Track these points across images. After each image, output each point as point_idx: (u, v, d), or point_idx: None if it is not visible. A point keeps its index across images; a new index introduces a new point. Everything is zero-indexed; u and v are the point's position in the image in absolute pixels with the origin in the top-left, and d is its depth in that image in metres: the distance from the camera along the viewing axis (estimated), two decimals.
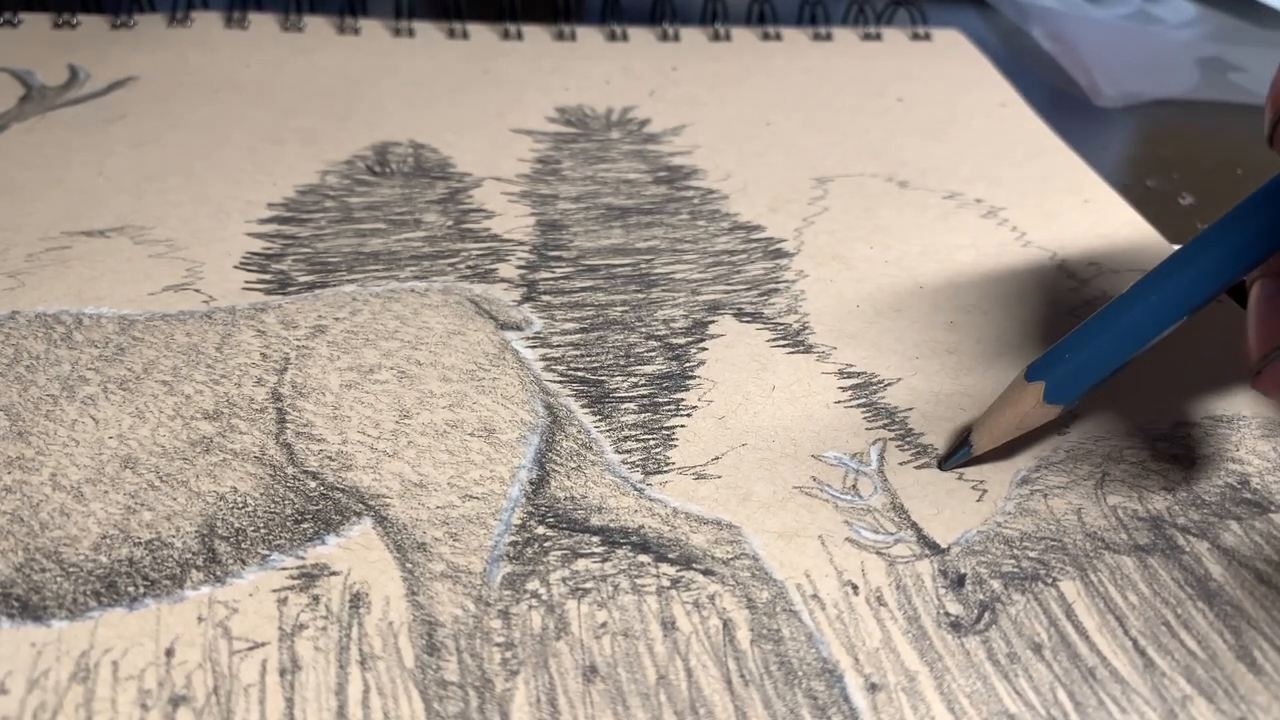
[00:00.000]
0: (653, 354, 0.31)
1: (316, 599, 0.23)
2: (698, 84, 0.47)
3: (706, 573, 0.24)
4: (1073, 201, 0.39)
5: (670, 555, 0.25)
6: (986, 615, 0.24)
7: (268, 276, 0.32)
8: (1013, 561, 0.25)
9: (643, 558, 0.25)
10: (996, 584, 0.25)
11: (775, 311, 0.33)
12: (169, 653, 0.22)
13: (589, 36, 0.50)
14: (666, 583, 0.24)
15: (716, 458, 0.27)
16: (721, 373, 0.30)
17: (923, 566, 0.25)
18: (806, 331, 0.32)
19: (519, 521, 0.25)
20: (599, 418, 0.28)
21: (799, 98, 0.46)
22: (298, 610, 0.23)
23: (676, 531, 0.25)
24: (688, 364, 0.30)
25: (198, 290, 0.32)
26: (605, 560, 0.24)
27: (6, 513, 0.24)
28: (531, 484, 0.26)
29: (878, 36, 0.53)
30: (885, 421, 0.29)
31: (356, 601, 0.23)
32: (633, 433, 0.28)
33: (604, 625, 0.23)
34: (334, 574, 0.24)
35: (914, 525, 0.26)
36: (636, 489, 0.26)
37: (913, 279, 0.35)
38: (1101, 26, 0.56)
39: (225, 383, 0.28)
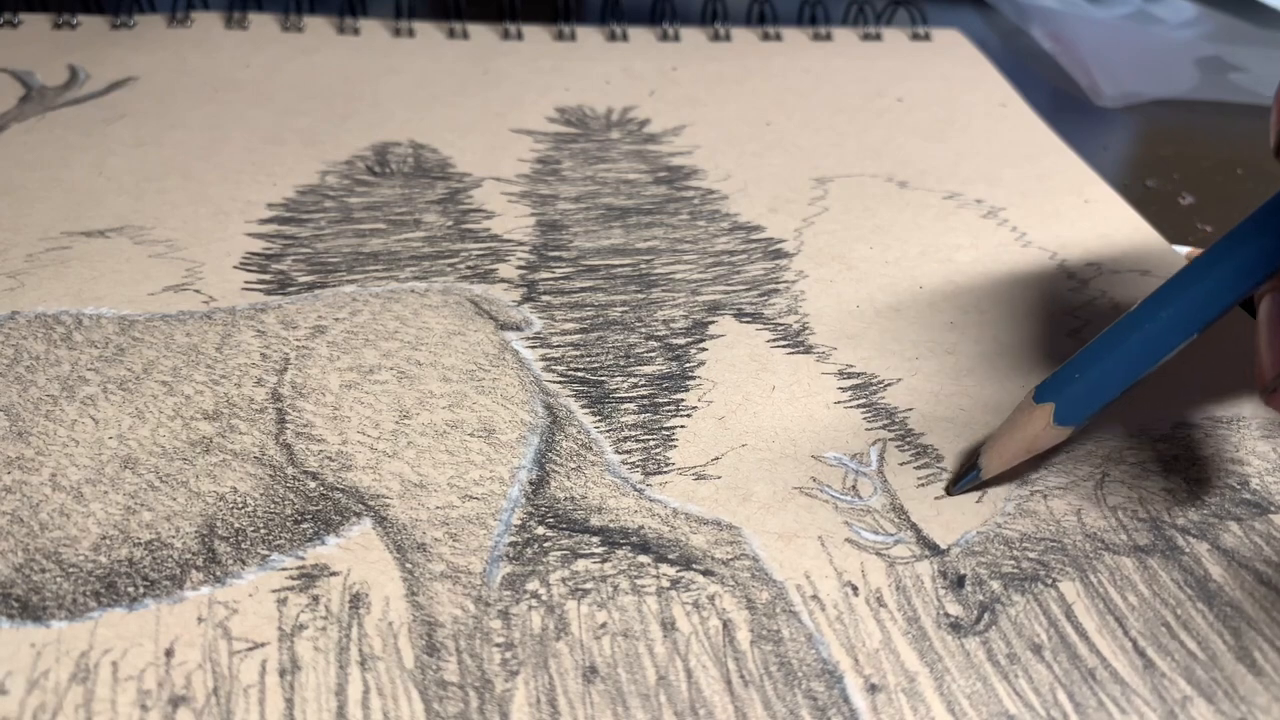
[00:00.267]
0: (653, 354, 0.31)
1: (316, 599, 0.23)
2: (698, 84, 0.47)
3: (706, 573, 0.24)
4: (1073, 201, 0.39)
5: (670, 556, 0.25)
6: (986, 616, 0.24)
7: (268, 277, 0.32)
8: (1012, 562, 0.25)
9: (643, 558, 0.25)
10: (996, 585, 0.25)
11: (775, 312, 0.33)
12: (169, 653, 0.22)
13: (589, 36, 0.50)
14: (666, 583, 0.24)
15: (716, 458, 0.27)
16: (721, 373, 0.30)
17: (922, 567, 0.25)
18: (806, 332, 0.32)
19: (519, 522, 0.25)
20: (599, 418, 0.28)
21: (799, 98, 0.46)
22: (297, 610, 0.23)
23: (676, 532, 0.25)
24: (688, 364, 0.30)
25: (198, 290, 0.32)
26: (605, 561, 0.24)
27: (6, 513, 0.24)
28: (531, 484, 0.26)
29: (878, 36, 0.53)
30: (885, 422, 0.29)
31: (356, 602, 0.23)
32: (633, 433, 0.28)
33: (604, 626, 0.23)
34: (334, 574, 0.24)
35: (914, 526, 0.26)
36: (636, 489, 0.26)
37: (913, 279, 0.35)
38: (1101, 26, 0.56)
39: (225, 383, 0.28)
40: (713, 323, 0.32)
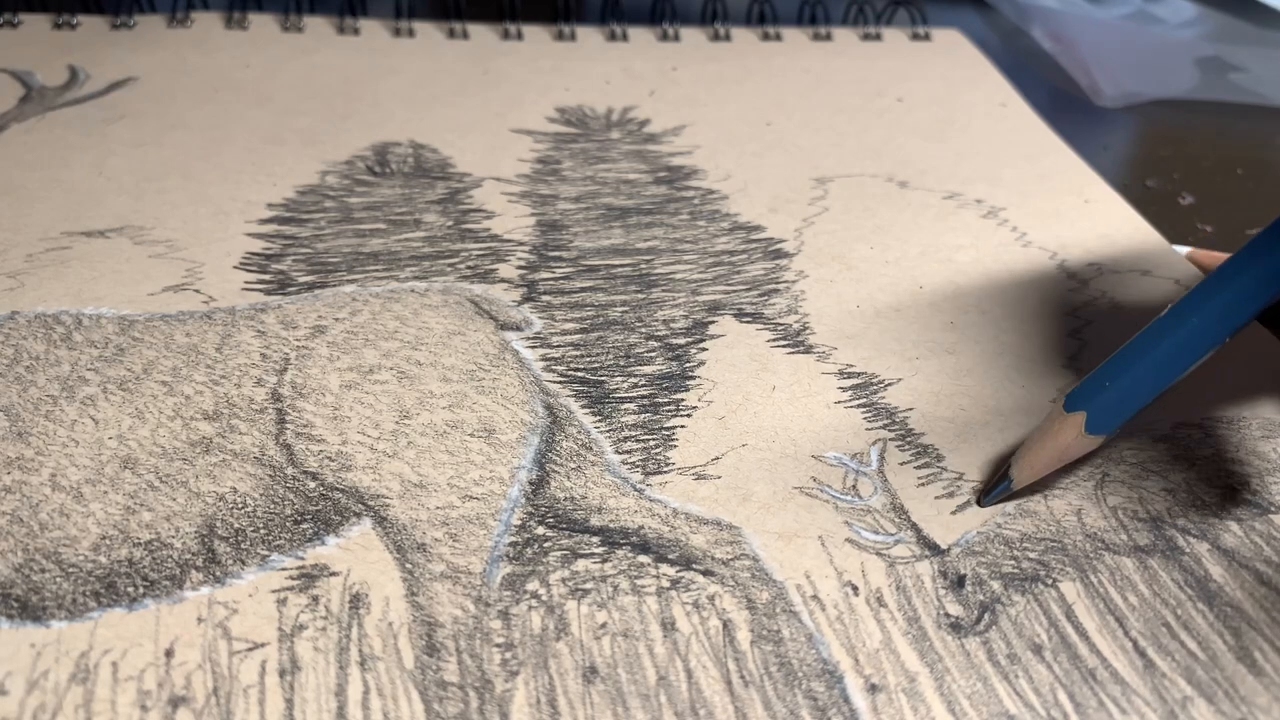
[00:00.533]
0: (653, 354, 0.31)
1: (316, 599, 0.23)
2: (698, 84, 0.47)
3: (706, 573, 0.24)
4: (1073, 201, 0.39)
5: (670, 556, 0.25)
6: (986, 616, 0.24)
7: (267, 277, 0.32)
8: (1013, 562, 0.25)
9: (643, 558, 0.25)
10: (996, 585, 0.25)
11: (775, 312, 0.33)
12: (168, 653, 0.22)
13: (589, 36, 0.50)
14: (666, 583, 0.24)
15: (716, 458, 0.27)
16: (721, 373, 0.30)
17: (923, 567, 0.25)
18: (807, 332, 0.32)
19: (519, 522, 0.25)
20: (599, 418, 0.28)
21: (799, 98, 0.46)
22: (297, 611, 0.23)
23: (676, 532, 0.25)
24: (688, 364, 0.30)
25: (197, 291, 0.32)
26: (605, 561, 0.24)
27: (6, 513, 0.24)
28: (531, 484, 0.26)
29: (878, 36, 0.53)
30: (885, 422, 0.29)
31: (356, 602, 0.23)
32: (633, 433, 0.28)
33: (604, 626, 0.23)
34: (334, 574, 0.24)
35: (914, 526, 0.26)
36: (636, 489, 0.26)
37: (913, 279, 0.35)
38: (1101, 26, 0.56)
39: (225, 383, 0.28)
40: (713, 322, 0.32)
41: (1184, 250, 0.37)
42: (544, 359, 0.30)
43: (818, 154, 0.42)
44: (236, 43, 0.47)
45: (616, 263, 0.35)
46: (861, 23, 0.54)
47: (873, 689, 0.22)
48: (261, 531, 0.24)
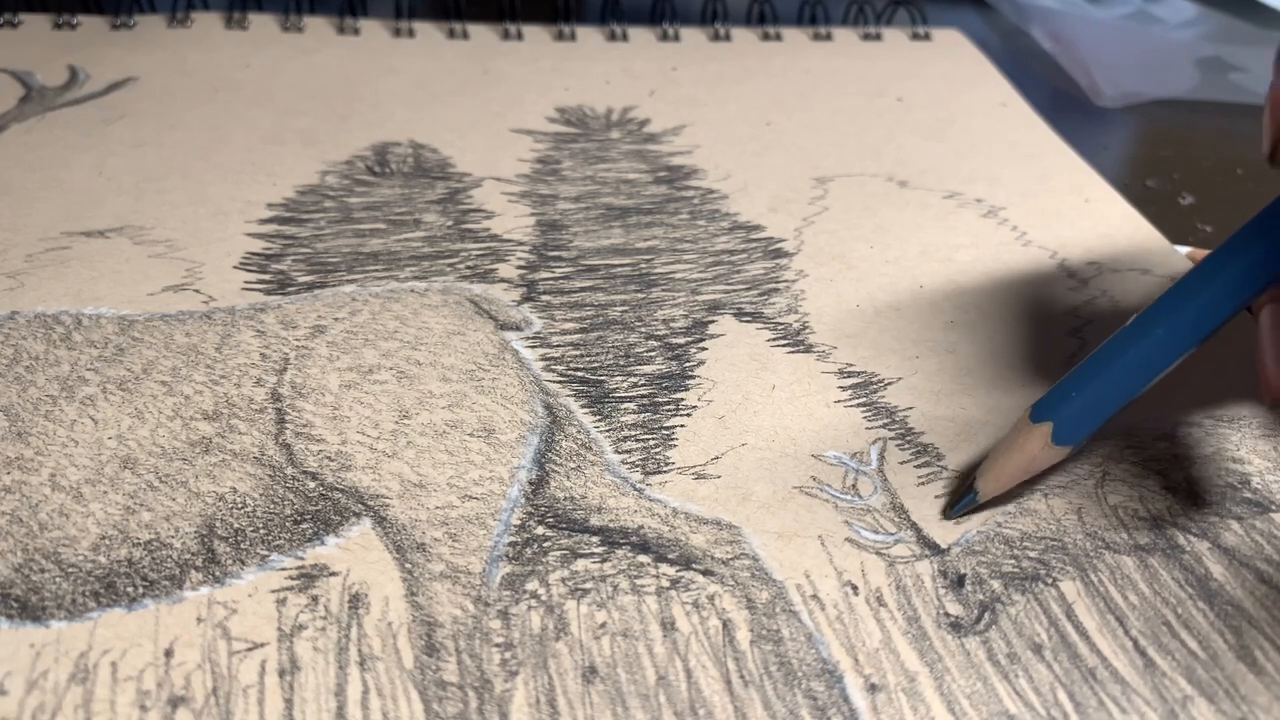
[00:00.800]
0: (652, 354, 0.31)
1: (316, 599, 0.23)
2: (698, 84, 0.47)
3: (706, 573, 0.24)
4: (1073, 201, 0.39)
5: (670, 555, 0.25)
6: (986, 615, 0.24)
7: (267, 277, 0.32)
8: (1013, 561, 0.25)
9: (642, 558, 0.25)
10: (996, 584, 0.25)
11: (775, 311, 0.33)
12: (168, 653, 0.22)
13: (589, 36, 0.50)
14: (666, 583, 0.24)
15: (716, 458, 0.27)
16: (721, 372, 0.30)
17: (923, 567, 0.25)
18: (806, 331, 0.32)
19: (518, 522, 0.25)
20: (598, 418, 0.28)
21: (799, 98, 0.46)
22: (297, 611, 0.23)
23: (676, 532, 0.25)
24: (687, 364, 0.30)
25: (197, 290, 0.32)
26: (605, 560, 0.24)
27: (6, 513, 0.24)
28: (531, 484, 0.26)
29: (878, 36, 0.53)
30: (885, 421, 0.29)
31: (356, 602, 0.23)
32: (632, 433, 0.28)
33: (603, 626, 0.23)
34: (333, 574, 0.24)
35: (914, 525, 0.26)
36: (636, 489, 0.26)
37: (913, 279, 0.34)
38: (1101, 26, 0.56)
39: (224, 383, 0.28)
40: (713, 322, 0.32)
41: (1184, 250, 0.37)
42: (544, 359, 0.30)
43: (818, 154, 0.42)
44: (236, 43, 0.47)
45: (616, 262, 0.35)
46: (861, 23, 0.54)
47: (872, 689, 0.22)
48: (261, 531, 0.24)
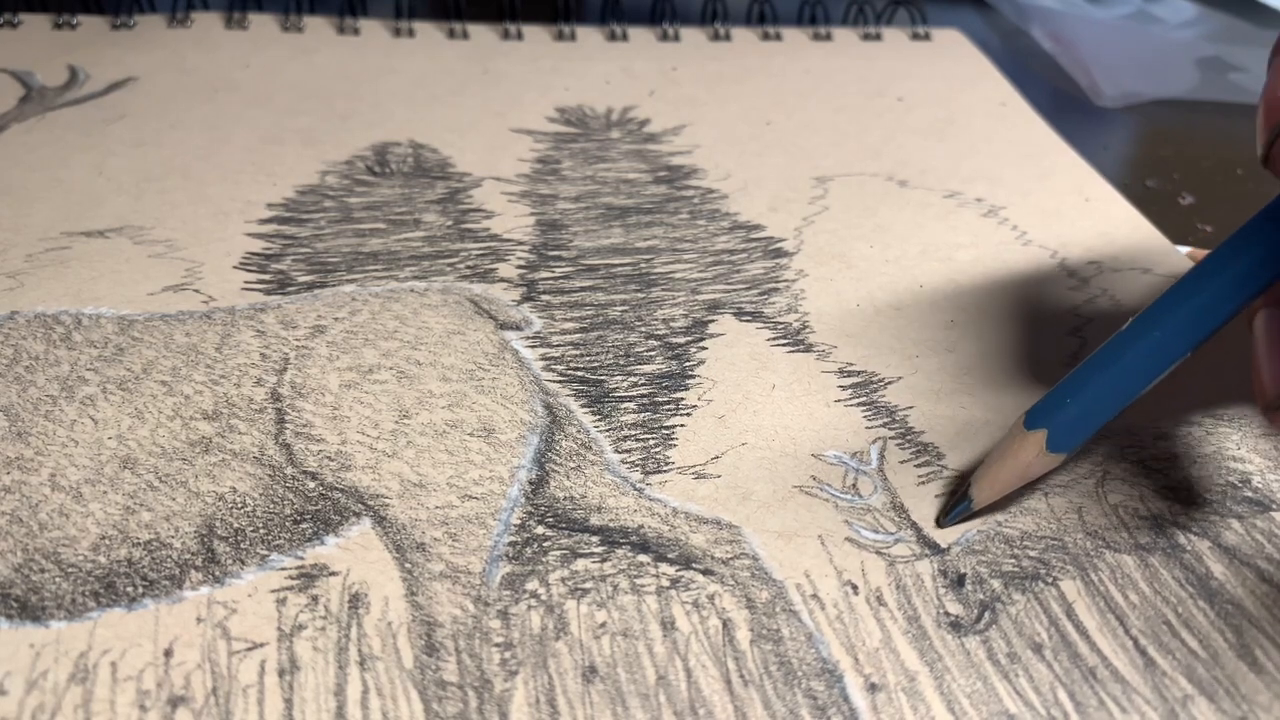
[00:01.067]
0: (652, 353, 0.31)
1: (315, 599, 0.23)
2: (698, 84, 0.47)
3: (706, 572, 0.24)
4: (1073, 200, 0.39)
5: (670, 555, 0.25)
6: (987, 615, 0.24)
7: (267, 276, 0.32)
8: (1013, 561, 0.25)
9: (642, 557, 0.25)
10: (997, 583, 0.25)
11: (775, 310, 0.33)
12: (168, 653, 0.22)
13: (589, 36, 0.50)
14: (666, 583, 0.24)
15: (716, 457, 0.27)
16: (721, 372, 0.30)
17: (923, 566, 0.25)
18: (806, 330, 0.32)
19: (518, 521, 0.25)
20: (598, 417, 0.28)
21: (799, 98, 0.46)
22: (296, 611, 0.23)
23: (676, 531, 0.25)
24: (687, 363, 0.30)
25: (197, 290, 0.31)
26: (605, 560, 0.24)
27: (5, 513, 0.24)
28: (531, 484, 0.26)
29: (878, 36, 0.53)
30: (885, 420, 0.29)
31: (355, 602, 0.23)
32: (632, 432, 0.28)
33: (603, 625, 0.23)
34: (333, 574, 0.24)
35: (914, 525, 0.26)
36: (636, 489, 0.26)
37: (913, 278, 0.34)
38: (1101, 26, 0.56)
39: (224, 383, 0.28)
40: (713, 321, 0.32)
41: (1185, 250, 0.37)
42: (543, 358, 0.30)
43: (818, 153, 0.42)
44: (236, 43, 0.47)
45: (616, 262, 0.35)
46: (861, 23, 0.54)
47: (872, 688, 0.22)
48: (261, 531, 0.24)
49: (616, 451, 0.27)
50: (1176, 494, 0.27)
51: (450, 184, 0.38)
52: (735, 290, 0.34)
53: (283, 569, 0.24)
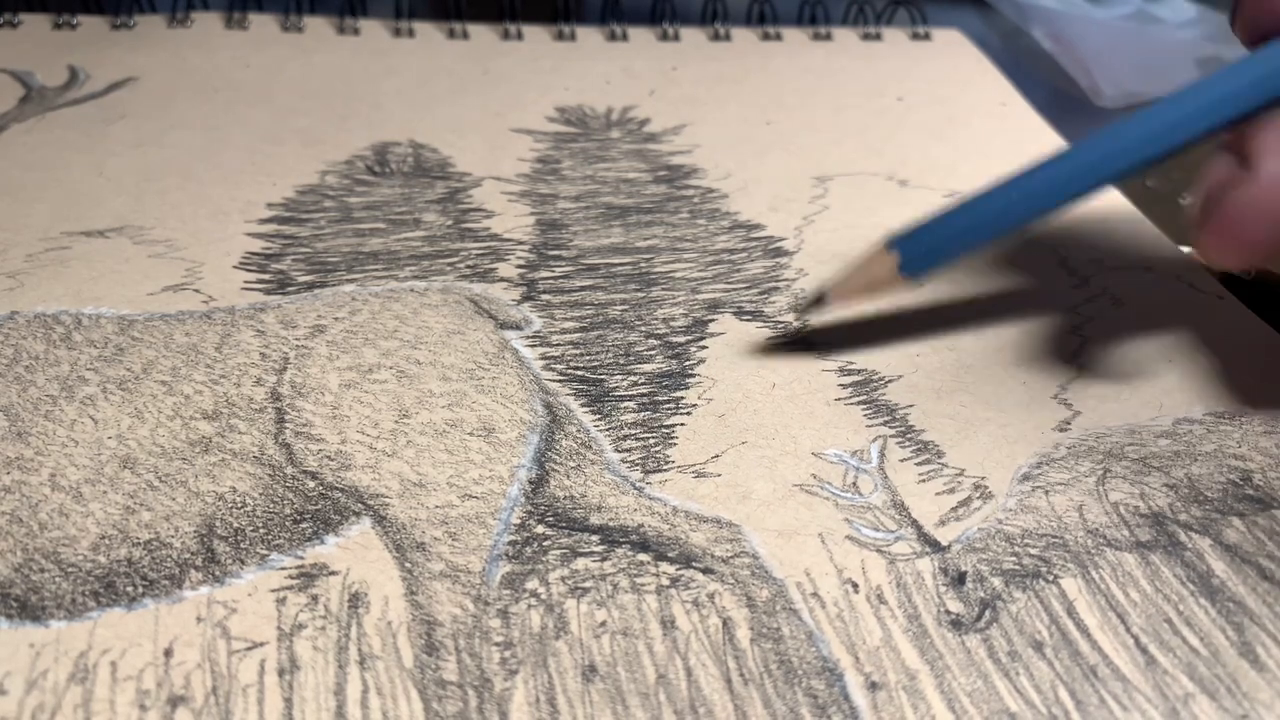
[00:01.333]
0: (652, 352, 0.31)
1: (315, 599, 0.23)
2: (698, 84, 0.47)
3: (706, 571, 0.24)
4: None
5: (670, 554, 0.25)
6: (987, 613, 0.24)
7: (267, 276, 0.32)
8: (1014, 559, 0.25)
9: (642, 556, 0.25)
10: (997, 581, 0.24)
11: (775, 310, 0.33)
12: (167, 653, 0.22)
13: (589, 36, 0.50)
14: (666, 581, 0.24)
15: (716, 456, 0.27)
16: (721, 371, 0.30)
17: (923, 564, 0.25)
18: (806, 330, 0.32)
19: (518, 521, 0.25)
20: (598, 416, 0.28)
21: (799, 98, 0.46)
22: (296, 610, 0.23)
23: (676, 530, 0.25)
24: (687, 362, 0.30)
25: (197, 290, 0.32)
26: (604, 559, 0.24)
27: (5, 513, 0.24)
28: (531, 483, 0.26)
29: (878, 36, 0.53)
30: (886, 419, 0.29)
31: (355, 601, 0.23)
32: (632, 431, 0.28)
33: (603, 624, 0.23)
34: (333, 574, 0.24)
35: (914, 523, 0.26)
36: (636, 488, 0.26)
37: None
38: (1101, 26, 0.56)
39: (224, 383, 0.28)
40: (713, 321, 0.32)
41: (1187, 250, 0.37)
42: (543, 358, 0.30)
43: (818, 153, 0.42)
44: (236, 43, 0.47)
45: (616, 261, 0.35)
46: (861, 23, 0.54)
47: (873, 687, 0.22)
48: (261, 531, 0.24)
49: (616, 450, 0.27)
50: (1177, 492, 0.27)
51: (450, 184, 0.38)
52: (735, 289, 0.34)
53: (283, 568, 0.24)
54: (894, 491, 0.27)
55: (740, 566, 0.24)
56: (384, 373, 0.29)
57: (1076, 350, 0.32)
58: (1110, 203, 0.39)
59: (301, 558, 0.24)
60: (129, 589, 0.23)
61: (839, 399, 0.29)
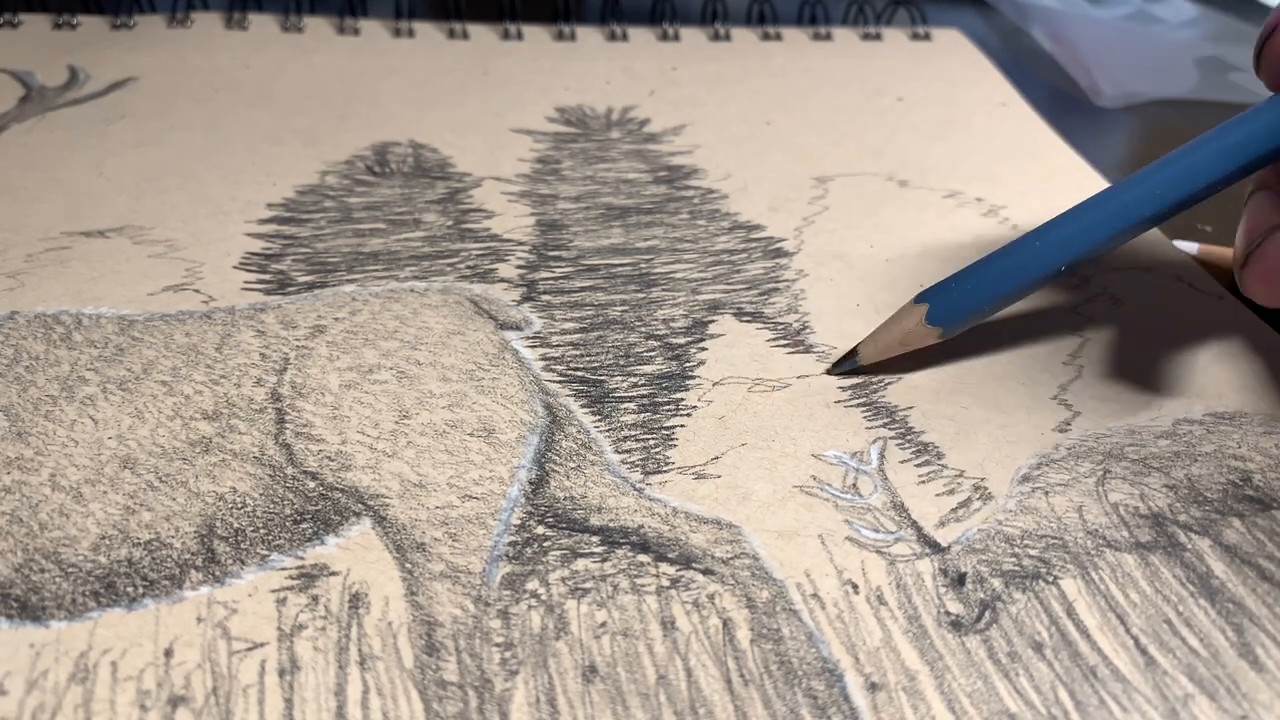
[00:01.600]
0: (652, 354, 0.31)
1: (316, 599, 0.23)
2: (698, 84, 0.47)
3: (706, 572, 0.24)
4: (1073, 200, 0.39)
5: (670, 555, 0.25)
6: (987, 614, 0.24)
7: (267, 277, 0.32)
8: (1013, 559, 0.25)
9: (642, 557, 0.25)
10: (997, 582, 0.24)
11: (775, 311, 0.33)
12: (168, 653, 0.22)
13: (589, 36, 0.50)
14: (666, 582, 0.24)
15: (716, 457, 0.27)
16: (721, 372, 0.30)
17: (923, 565, 0.25)
18: (806, 331, 0.32)
19: (518, 521, 0.25)
20: (598, 417, 0.28)
21: (799, 98, 0.46)
22: (297, 610, 0.23)
23: (676, 531, 0.25)
24: (687, 364, 0.30)
25: (197, 290, 0.31)
26: (605, 560, 0.24)
27: (6, 513, 0.24)
28: (531, 484, 0.26)
29: (878, 36, 0.53)
30: (885, 420, 0.29)
31: (356, 602, 0.23)
32: (632, 432, 0.28)
33: (603, 625, 0.23)
34: (333, 574, 0.24)
35: (914, 524, 0.26)
36: (636, 489, 0.26)
37: (913, 278, 0.34)
38: (1101, 26, 0.56)
39: (224, 383, 0.28)
40: (713, 322, 0.32)
41: (1192, 248, 0.37)
42: (543, 358, 0.30)
43: (818, 153, 0.42)
44: (236, 43, 0.47)
45: (616, 262, 0.35)
46: (861, 23, 0.54)
47: (873, 687, 0.22)
48: (261, 531, 0.24)
49: (617, 452, 0.27)
50: (1177, 493, 0.27)
51: (450, 184, 0.38)
52: (735, 290, 0.34)
53: (283, 569, 0.24)
54: (894, 493, 0.27)
55: (740, 567, 0.24)
56: (384, 373, 0.29)
57: (1076, 351, 0.32)
58: None
59: (302, 558, 0.24)
60: (129, 589, 0.23)
61: (839, 401, 0.29)
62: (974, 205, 0.39)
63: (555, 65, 0.48)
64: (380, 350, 0.29)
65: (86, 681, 0.21)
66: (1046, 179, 0.41)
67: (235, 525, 0.24)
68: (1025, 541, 0.26)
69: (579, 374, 0.30)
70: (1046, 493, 0.27)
